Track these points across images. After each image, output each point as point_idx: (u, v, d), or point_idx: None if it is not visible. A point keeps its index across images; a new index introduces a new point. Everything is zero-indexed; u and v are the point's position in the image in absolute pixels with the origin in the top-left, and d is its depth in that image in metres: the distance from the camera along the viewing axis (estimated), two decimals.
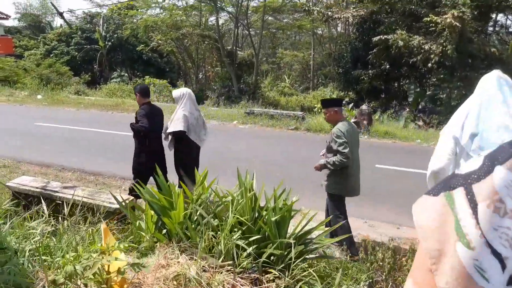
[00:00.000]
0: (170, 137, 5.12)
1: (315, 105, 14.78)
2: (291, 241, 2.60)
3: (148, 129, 4.91)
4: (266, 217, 2.85)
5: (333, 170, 4.00)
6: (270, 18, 25.29)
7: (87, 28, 30.83)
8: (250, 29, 25.50)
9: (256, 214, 2.96)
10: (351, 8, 14.60)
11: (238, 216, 2.78)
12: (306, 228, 2.93)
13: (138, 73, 29.63)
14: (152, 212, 2.99)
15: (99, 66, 30.07)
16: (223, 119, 12.47)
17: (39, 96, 16.39)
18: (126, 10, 26.46)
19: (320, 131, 11.00)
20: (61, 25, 34.14)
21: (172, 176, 4.93)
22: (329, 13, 13.81)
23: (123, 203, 3.36)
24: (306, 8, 14.59)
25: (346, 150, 3.82)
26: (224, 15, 22.50)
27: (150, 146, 5.08)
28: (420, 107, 15.17)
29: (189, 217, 2.81)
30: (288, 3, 19.79)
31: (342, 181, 4.04)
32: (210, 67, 23.74)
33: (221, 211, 2.87)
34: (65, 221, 2.99)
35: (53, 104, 14.98)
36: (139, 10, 23.96)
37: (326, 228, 3.48)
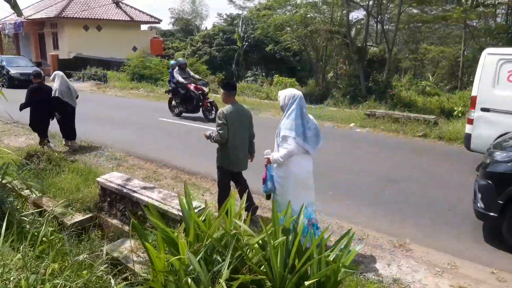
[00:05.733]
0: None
1: (455, 108, 12.37)
2: None
3: (27, 101, 7.73)
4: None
5: (219, 146, 4.64)
6: (414, 10, 22.78)
7: (228, 30, 32.75)
8: (391, 24, 23.31)
9: (297, 262, 2.08)
10: None
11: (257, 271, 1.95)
12: None
13: (272, 72, 30.13)
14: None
15: (236, 65, 31.63)
16: (340, 121, 11.33)
17: None
18: (263, 11, 27.04)
19: (455, 140, 8.98)
20: (206, 27, 37.06)
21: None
22: None
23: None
24: None
25: (221, 131, 4.43)
26: (359, 10, 21.00)
27: (36, 110, 7.81)
28: None
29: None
30: None
31: (225, 156, 4.62)
32: (342, 65, 22.63)
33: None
34: None
35: None
36: (276, 10, 24.13)
37: None
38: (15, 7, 4.91)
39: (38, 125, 8.00)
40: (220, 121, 4.45)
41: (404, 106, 13.93)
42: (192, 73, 12.21)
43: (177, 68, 11.77)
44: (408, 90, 18.19)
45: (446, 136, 9.15)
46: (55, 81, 7.96)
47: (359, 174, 6.88)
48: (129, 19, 27.70)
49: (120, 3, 26.65)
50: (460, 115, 11.55)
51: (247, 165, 4.84)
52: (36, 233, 3.49)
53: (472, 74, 23.21)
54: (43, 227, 3.49)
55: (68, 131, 8.31)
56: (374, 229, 4.84)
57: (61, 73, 8.20)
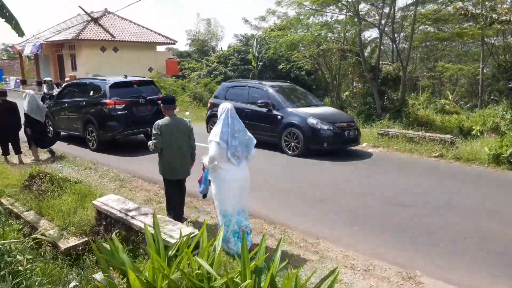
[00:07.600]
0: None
1: (474, 127, 11.86)
2: None
3: None
4: None
5: (159, 155, 5.12)
6: (431, 29, 22.45)
7: (243, 50, 32.92)
8: (407, 42, 23.10)
9: None
10: None
11: None
12: None
13: None
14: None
15: None
16: None
17: (186, 113, 17.75)
18: (275, 31, 27.14)
19: (473, 161, 8.52)
20: (221, 48, 37.46)
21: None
22: (494, 15, 10.90)
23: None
24: (463, 12, 11.82)
25: (155, 141, 4.91)
26: (372, 30, 20.80)
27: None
28: None
29: None
30: (444, 9, 16.93)
31: (161, 164, 5.14)
32: (357, 84, 22.37)
33: None
34: None
35: (196, 120, 15.93)
36: (291, 30, 24.16)
37: None
38: (16, 27, 4.88)
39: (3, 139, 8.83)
40: (154, 131, 4.94)
41: (421, 125, 13.47)
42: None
43: None
44: (426, 108, 17.69)
45: (463, 156, 8.69)
46: (25, 100, 8.85)
47: (368, 197, 6.53)
48: (145, 40, 28.22)
49: (99, 19, 26.99)
50: (478, 134, 11.05)
51: (188, 173, 5.24)
52: (14, 262, 3.28)
53: (492, 92, 22.57)
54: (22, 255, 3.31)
55: (39, 142, 9.14)
56: (382, 259, 4.48)
57: (32, 92, 9.18)
